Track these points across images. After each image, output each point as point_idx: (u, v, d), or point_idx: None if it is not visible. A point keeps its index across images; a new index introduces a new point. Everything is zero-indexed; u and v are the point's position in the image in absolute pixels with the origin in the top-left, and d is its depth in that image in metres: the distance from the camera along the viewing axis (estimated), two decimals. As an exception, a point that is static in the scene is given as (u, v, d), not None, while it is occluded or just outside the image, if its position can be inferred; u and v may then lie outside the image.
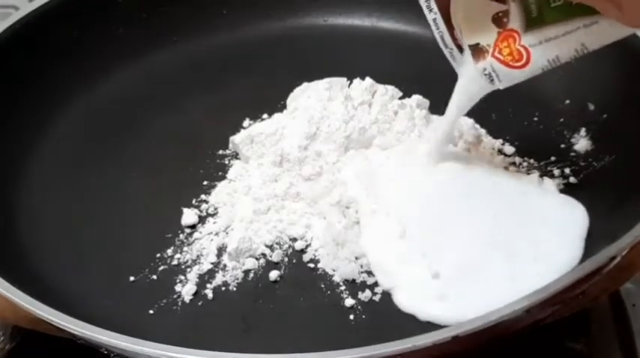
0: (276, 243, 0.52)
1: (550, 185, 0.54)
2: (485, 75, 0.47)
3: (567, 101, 0.60)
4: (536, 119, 0.60)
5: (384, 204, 0.52)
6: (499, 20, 0.45)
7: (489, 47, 0.46)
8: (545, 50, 0.44)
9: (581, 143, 0.57)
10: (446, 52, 0.48)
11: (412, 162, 0.53)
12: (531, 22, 0.44)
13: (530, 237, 0.49)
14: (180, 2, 0.69)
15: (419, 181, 0.53)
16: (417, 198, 0.52)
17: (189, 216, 0.54)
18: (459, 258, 0.48)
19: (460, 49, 0.48)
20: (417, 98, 0.59)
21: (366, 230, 0.51)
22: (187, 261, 0.51)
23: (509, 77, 0.46)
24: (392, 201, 0.52)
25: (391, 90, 0.59)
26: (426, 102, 0.60)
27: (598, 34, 0.43)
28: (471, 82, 0.48)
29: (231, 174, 0.57)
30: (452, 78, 0.64)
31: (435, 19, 0.47)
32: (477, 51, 0.47)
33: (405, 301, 0.48)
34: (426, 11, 0.47)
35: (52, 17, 0.64)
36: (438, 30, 0.47)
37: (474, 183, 0.52)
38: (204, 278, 0.50)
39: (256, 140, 0.56)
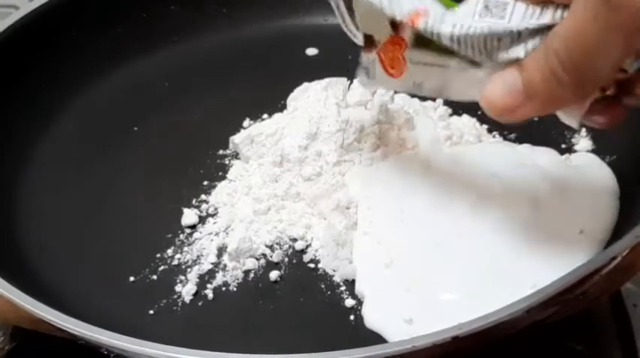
0: (277, 244, 0.52)
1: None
2: (364, 68, 0.48)
3: (568, 101, 0.60)
4: (536, 119, 0.60)
5: (377, 230, 0.51)
6: (395, 25, 0.44)
7: (379, 43, 0.46)
8: (416, 71, 0.44)
9: (582, 143, 0.57)
10: (346, 30, 0.49)
11: (414, 187, 0.53)
12: (419, 41, 0.43)
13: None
14: (180, 2, 0.69)
15: (417, 209, 0.52)
16: (411, 228, 0.51)
17: (189, 216, 0.54)
18: (442, 305, 0.46)
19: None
20: (416, 99, 0.59)
21: (356, 245, 0.51)
22: (187, 261, 0.51)
23: (381, 79, 0.47)
24: (385, 227, 0.51)
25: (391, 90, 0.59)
26: (427, 102, 0.60)
27: (461, 82, 0.42)
28: None
29: (231, 174, 0.57)
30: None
31: (337, 4, 0.48)
32: (368, 41, 0.47)
33: (374, 322, 0.47)
34: None
35: (52, 17, 0.64)
36: (339, 10, 0.48)
37: (480, 208, 0.51)
38: (204, 279, 0.50)
39: (256, 140, 0.56)
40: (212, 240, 0.52)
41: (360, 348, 0.39)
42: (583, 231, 0.49)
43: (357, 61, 0.66)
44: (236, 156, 0.59)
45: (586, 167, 0.54)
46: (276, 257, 0.51)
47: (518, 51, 0.38)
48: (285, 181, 0.54)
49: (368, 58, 0.47)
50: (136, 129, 0.62)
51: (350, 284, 0.49)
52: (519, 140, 0.58)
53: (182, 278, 0.50)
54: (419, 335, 0.39)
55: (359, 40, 0.48)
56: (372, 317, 0.47)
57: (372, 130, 0.56)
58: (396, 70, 0.45)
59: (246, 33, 0.70)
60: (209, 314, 0.49)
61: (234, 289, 0.50)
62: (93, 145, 0.61)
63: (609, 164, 0.54)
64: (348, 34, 0.49)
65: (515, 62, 0.38)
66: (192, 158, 0.59)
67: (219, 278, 0.50)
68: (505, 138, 0.58)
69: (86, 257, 0.52)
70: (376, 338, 0.46)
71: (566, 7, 0.37)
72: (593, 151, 0.56)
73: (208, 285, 0.50)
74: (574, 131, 0.58)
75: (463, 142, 0.57)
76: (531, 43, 0.37)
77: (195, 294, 0.50)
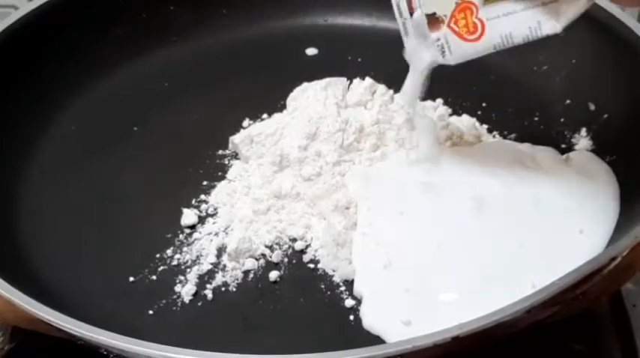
0: (276, 244, 0.52)
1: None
2: (438, 46, 0.48)
3: (568, 101, 0.60)
4: (536, 119, 0.60)
5: (376, 230, 0.51)
6: None
7: (445, 17, 0.47)
8: (500, 25, 0.45)
9: (582, 143, 0.57)
10: (400, 21, 0.49)
11: (413, 187, 0.53)
12: None
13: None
14: (180, 2, 0.69)
15: (416, 210, 0.52)
16: (410, 228, 0.51)
17: (189, 216, 0.54)
18: (441, 306, 0.46)
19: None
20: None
21: (355, 246, 0.51)
22: (187, 262, 0.51)
23: (460, 50, 0.47)
24: (385, 227, 0.51)
25: (391, 90, 0.59)
26: (427, 102, 0.60)
27: (554, 12, 0.43)
28: (415, 56, 0.50)
29: (231, 174, 0.57)
30: (452, 78, 0.64)
31: None
32: (433, 21, 0.47)
33: (372, 323, 0.47)
34: None
35: (52, 17, 0.64)
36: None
37: (480, 206, 0.51)
38: (204, 279, 0.50)
39: (256, 140, 0.56)
40: (211, 240, 0.52)
41: (360, 348, 0.39)
42: (583, 231, 0.49)
43: (356, 61, 0.66)
44: (236, 156, 0.58)
45: (586, 167, 0.54)
46: (275, 257, 0.51)
47: None
48: (285, 181, 0.54)
49: (437, 35, 0.48)
50: (135, 129, 0.62)
51: (350, 284, 0.49)
52: (519, 140, 0.58)
53: (182, 278, 0.50)
54: (419, 335, 0.39)
55: (409, 30, 0.48)
56: (371, 318, 0.47)
57: (371, 130, 0.56)
58: (475, 34, 0.46)
59: (246, 33, 0.70)
60: (209, 314, 0.49)
61: (234, 289, 0.50)
62: (93, 145, 0.61)
63: (609, 164, 0.54)
64: (400, 24, 0.49)
65: None
66: (192, 158, 0.59)
67: (218, 279, 0.50)
68: (505, 138, 0.58)
69: (86, 257, 0.52)
70: (376, 338, 0.46)
71: None
72: (593, 151, 0.56)
73: (208, 285, 0.50)
74: (574, 131, 0.58)
75: (463, 142, 0.57)
76: None
77: (195, 294, 0.49)
